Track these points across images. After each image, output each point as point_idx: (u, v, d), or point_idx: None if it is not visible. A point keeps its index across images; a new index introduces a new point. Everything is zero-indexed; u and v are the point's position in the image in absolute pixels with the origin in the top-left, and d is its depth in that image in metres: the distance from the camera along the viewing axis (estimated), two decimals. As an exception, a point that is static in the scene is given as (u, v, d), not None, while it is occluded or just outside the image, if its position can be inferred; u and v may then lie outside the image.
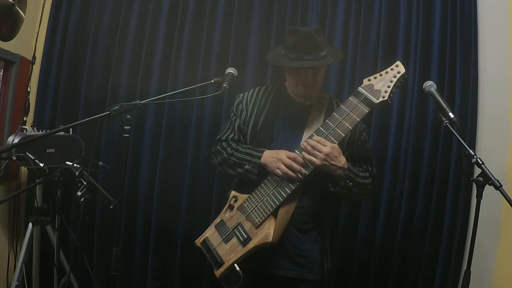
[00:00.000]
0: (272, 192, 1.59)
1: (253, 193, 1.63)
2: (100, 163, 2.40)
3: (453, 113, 1.46)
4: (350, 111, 1.56)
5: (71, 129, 2.37)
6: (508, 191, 1.35)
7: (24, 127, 2.36)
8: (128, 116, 1.48)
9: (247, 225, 1.60)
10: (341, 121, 1.56)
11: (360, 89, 1.59)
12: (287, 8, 2.49)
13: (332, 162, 1.53)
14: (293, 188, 1.57)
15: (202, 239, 1.72)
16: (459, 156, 2.21)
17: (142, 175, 2.61)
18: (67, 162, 1.92)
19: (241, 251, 1.57)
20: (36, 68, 2.74)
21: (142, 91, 2.57)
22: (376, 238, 2.36)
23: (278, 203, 1.57)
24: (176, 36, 2.58)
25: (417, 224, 2.30)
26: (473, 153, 1.40)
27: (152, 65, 2.60)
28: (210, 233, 1.70)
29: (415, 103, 2.30)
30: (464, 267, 1.52)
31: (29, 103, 2.72)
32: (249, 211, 1.61)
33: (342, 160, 1.55)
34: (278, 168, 1.56)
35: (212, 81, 1.74)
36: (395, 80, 1.56)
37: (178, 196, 2.57)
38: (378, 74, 1.60)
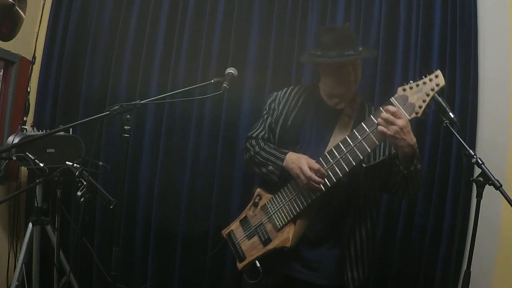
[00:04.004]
0: (294, 197, 1.61)
1: (276, 195, 1.67)
2: (100, 163, 2.40)
3: (453, 113, 1.45)
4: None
5: (71, 129, 2.37)
6: (508, 191, 1.35)
7: (24, 127, 2.37)
8: (128, 116, 1.48)
9: (269, 226, 1.66)
10: (368, 134, 1.49)
11: (393, 99, 1.46)
12: (287, 8, 2.49)
13: (404, 137, 1.41)
14: (314, 198, 1.57)
15: (228, 231, 1.80)
16: (459, 156, 2.21)
17: (142, 175, 2.61)
18: (67, 162, 1.92)
19: (261, 250, 1.65)
20: (36, 68, 2.75)
21: (142, 91, 2.57)
22: (376, 238, 2.35)
23: (298, 211, 1.59)
24: (176, 36, 2.58)
25: (417, 224, 2.29)
26: (473, 153, 1.40)
27: (152, 65, 2.60)
28: (235, 227, 1.78)
29: (415, 103, 2.30)
30: (464, 267, 1.52)
31: (29, 103, 2.72)
32: (271, 213, 1.66)
33: (413, 139, 1.44)
34: (298, 178, 1.56)
35: (212, 81, 1.73)
36: (432, 93, 1.41)
37: (178, 196, 2.57)
38: (415, 84, 1.44)
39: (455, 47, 2.26)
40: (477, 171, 1.41)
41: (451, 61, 2.27)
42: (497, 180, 1.36)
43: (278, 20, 2.49)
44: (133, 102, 1.50)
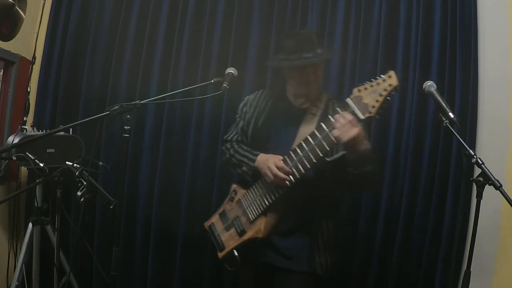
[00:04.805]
0: (263, 193, 1.75)
1: (249, 191, 1.81)
2: (100, 163, 2.40)
3: (453, 113, 1.46)
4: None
5: (71, 129, 2.37)
6: (508, 191, 1.35)
7: (24, 127, 2.36)
8: (128, 116, 1.48)
9: (243, 219, 1.81)
10: (327, 133, 1.57)
11: (348, 100, 1.54)
12: (287, 8, 2.49)
13: (356, 144, 1.52)
14: (281, 192, 1.69)
15: (209, 224, 1.96)
16: (459, 156, 2.21)
17: (142, 175, 2.61)
18: (67, 162, 1.92)
19: (238, 240, 1.81)
20: (36, 68, 2.75)
21: (142, 91, 2.57)
22: (376, 238, 2.36)
23: (268, 204, 1.73)
24: (176, 36, 2.58)
25: (417, 224, 2.29)
26: (473, 153, 1.41)
27: (152, 65, 2.60)
28: (215, 220, 1.95)
29: (415, 103, 2.30)
30: (464, 267, 1.52)
31: (29, 103, 2.72)
32: (245, 207, 1.81)
33: (365, 144, 1.55)
34: (267, 176, 1.70)
35: (212, 81, 1.75)
36: (385, 93, 1.48)
37: (178, 196, 2.57)
38: (369, 84, 1.52)
39: (455, 47, 2.26)
40: (477, 171, 1.41)
41: (451, 61, 2.27)
42: (497, 180, 1.36)
43: (278, 20, 2.49)
44: (133, 102, 1.50)
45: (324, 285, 2.40)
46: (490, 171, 1.38)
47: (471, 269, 1.45)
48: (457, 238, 2.16)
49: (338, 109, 1.56)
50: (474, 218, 1.44)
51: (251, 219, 1.76)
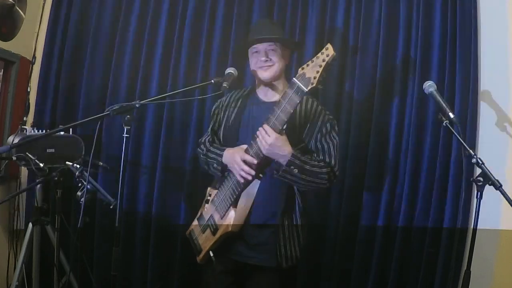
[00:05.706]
0: (231, 186, 1.79)
1: (220, 188, 1.87)
2: (100, 163, 2.40)
3: (453, 113, 1.46)
4: (286, 103, 1.65)
5: (71, 129, 2.36)
6: (508, 191, 1.36)
7: (24, 127, 2.36)
8: (128, 116, 1.48)
9: (216, 217, 1.84)
10: (278, 114, 1.66)
11: (294, 79, 1.65)
12: (287, 8, 2.49)
13: (275, 151, 1.66)
14: (246, 182, 1.74)
15: (189, 231, 2.00)
16: (459, 156, 2.21)
17: (142, 175, 2.61)
18: (67, 162, 1.92)
19: (212, 239, 1.82)
20: (36, 68, 2.74)
21: (142, 91, 2.57)
22: (376, 238, 2.36)
23: (235, 196, 1.77)
24: (176, 36, 2.58)
25: (417, 224, 2.29)
26: (473, 153, 1.41)
27: (152, 65, 2.60)
28: (194, 225, 1.99)
29: (415, 103, 2.30)
30: (464, 267, 1.52)
31: (29, 103, 2.72)
32: (217, 204, 1.85)
33: (286, 150, 1.67)
34: (235, 170, 1.75)
35: (212, 81, 1.76)
36: (323, 64, 1.59)
37: (178, 196, 2.57)
38: (311, 60, 1.63)
39: (455, 47, 2.26)
40: (477, 171, 1.41)
41: (451, 61, 2.27)
42: (497, 180, 1.37)
43: (278, 20, 2.49)
44: (133, 102, 1.51)
45: (325, 285, 2.42)
46: (490, 171, 1.38)
47: (471, 269, 1.45)
48: (457, 238, 2.17)
49: (287, 90, 1.66)
50: (474, 218, 1.44)
51: (222, 214, 1.80)
